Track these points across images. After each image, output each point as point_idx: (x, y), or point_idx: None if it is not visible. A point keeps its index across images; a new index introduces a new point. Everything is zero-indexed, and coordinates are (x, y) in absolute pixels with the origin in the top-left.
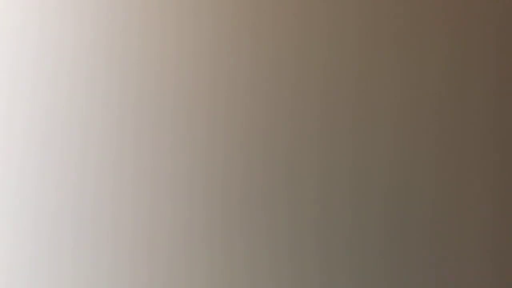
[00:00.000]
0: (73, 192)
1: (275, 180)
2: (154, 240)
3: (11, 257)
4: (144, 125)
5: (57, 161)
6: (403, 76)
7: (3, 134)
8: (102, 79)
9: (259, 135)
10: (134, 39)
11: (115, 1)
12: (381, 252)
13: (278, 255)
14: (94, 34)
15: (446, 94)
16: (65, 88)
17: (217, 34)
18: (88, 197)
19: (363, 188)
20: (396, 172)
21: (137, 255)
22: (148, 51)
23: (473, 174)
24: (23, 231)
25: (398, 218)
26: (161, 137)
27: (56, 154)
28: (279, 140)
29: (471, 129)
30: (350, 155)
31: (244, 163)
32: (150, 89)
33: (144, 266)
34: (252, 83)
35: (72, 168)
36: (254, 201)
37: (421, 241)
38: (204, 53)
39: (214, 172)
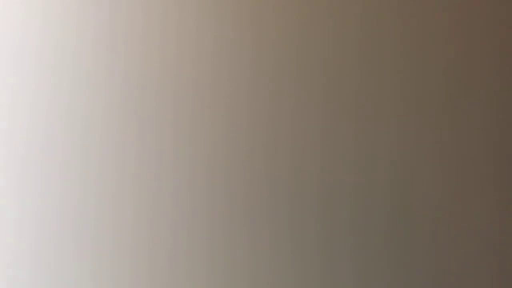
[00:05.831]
0: (75, 192)
1: (278, 181)
2: (156, 240)
3: (12, 258)
4: (146, 125)
5: (59, 161)
6: (406, 76)
7: (5, 134)
8: (104, 80)
9: (261, 134)
10: (136, 38)
11: (116, 1)
12: (383, 252)
13: (280, 256)
14: (95, 34)
15: (449, 94)
16: (66, 88)
17: (219, 35)
18: (89, 197)
19: (365, 188)
20: (399, 172)
21: (139, 256)
22: (149, 51)
23: (476, 175)
24: (24, 232)
25: (400, 219)
26: (163, 137)
27: (57, 154)
28: (281, 140)
29: (474, 129)
30: (352, 156)
31: (246, 163)
32: (152, 89)
33: (145, 266)
34: (254, 83)
35: (74, 168)
36: (256, 201)
37: (424, 241)
38: (205, 53)
39: (215, 172)
